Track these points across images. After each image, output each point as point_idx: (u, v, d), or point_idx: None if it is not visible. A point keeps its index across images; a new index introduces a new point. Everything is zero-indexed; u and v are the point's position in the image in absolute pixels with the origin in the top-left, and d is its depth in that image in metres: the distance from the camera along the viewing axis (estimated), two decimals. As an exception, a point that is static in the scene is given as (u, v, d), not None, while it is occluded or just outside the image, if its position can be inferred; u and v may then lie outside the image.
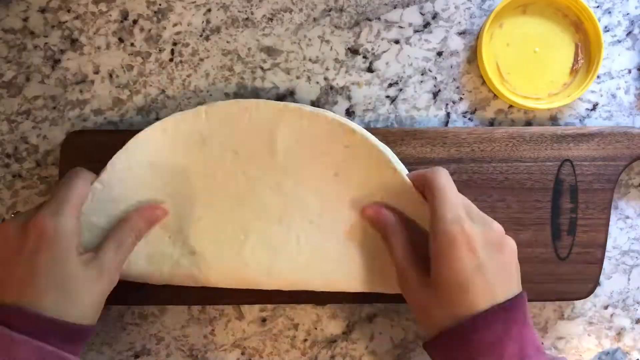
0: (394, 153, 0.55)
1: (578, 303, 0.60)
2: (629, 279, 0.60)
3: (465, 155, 0.56)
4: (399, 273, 0.49)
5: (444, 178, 0.48)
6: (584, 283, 0.56)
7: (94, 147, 0.56)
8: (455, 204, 0.46)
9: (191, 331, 0.59)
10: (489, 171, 0.56)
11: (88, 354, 0.58)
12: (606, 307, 0.60)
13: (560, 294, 0.56)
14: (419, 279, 0.47)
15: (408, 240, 0.50)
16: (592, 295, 0.59)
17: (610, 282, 0.60)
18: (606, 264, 0.60)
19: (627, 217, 0.60)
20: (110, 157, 0.53)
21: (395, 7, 0.60)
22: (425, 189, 0.49)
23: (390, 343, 0.59)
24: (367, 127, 0.60)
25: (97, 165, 0.53)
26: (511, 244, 0.47)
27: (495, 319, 0.43)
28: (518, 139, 0.57)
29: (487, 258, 0.45)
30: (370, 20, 0.60)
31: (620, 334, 0.60)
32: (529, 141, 0.57)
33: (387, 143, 0.56)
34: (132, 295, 0.55)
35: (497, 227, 0.47)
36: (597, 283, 0.56)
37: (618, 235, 0.60)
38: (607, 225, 0.56)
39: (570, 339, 0.60)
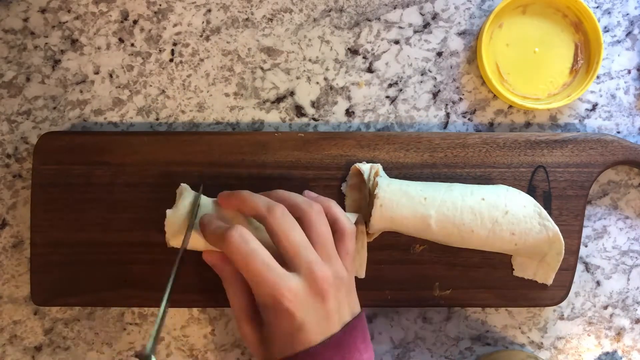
0: (368, 157, 0.56)
1: (577, 303, 0.60)
2: (628, 279, 0.60)
3: (438, 161, 0.56)
4: (237, 324, 0.50)
5: (235, 249, 0.45)
6: (557, 290, 0.56)
7: (67, 148, 0.56)
8: (263, 274, 0.44)
9: (191, 331, 0.59)
10: (462, 176, 0.56)
11: (88, 353, 0.59)
12: (606, 307, 0.60)
13: (533, 300, 0.56)
14: (253, 334, 0.48)
15: (245, 292, 0.49)
16: (591, 296, 0.60)
17: (610, 282, 0.60)
18: (606, 264, 0.60)
19: (627, 217, 0.60)
20: (84, 160, 0.55)
21: (395, 8, 0.60)
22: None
23: (390, 343, 0.59)
24: (361, 127, 0.60)
25: (69, 167, 0.55)
26: (333, 282, 0.46)
27: (323, 351, 0.45)
28: (491, 144, 0.57)
29: (306, 315, 0.45)
30: (370, 20, 0.60)
31: (619, 334, 0.60)
32: (502, 147, 0.57)
33: (361, 147, 0.56)
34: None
35: (322, 272, 0.46)
36: (569, 289, 0.56)
37: (618, 235, 0.60)
38: (580, 232, 0.56)
39: (570, 339, 0.60)
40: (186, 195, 0.52)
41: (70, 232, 0.56)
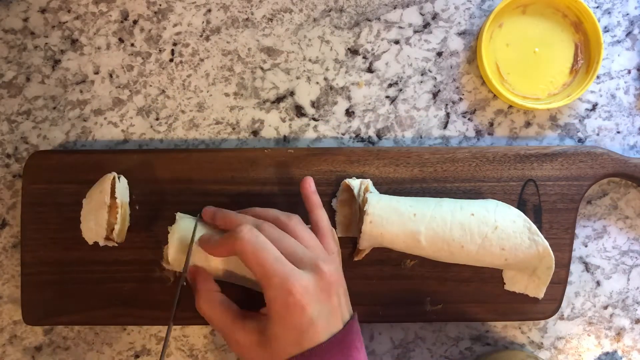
0: (358, 173, 0.56)
1: (577, 303, 0.60)
2: (628, 279, 0.60)
3: (428, 176, 0.56)
4: (225, 337, 0.48)
5: (247, 243, 0.46)
6: (549, 303, 0.56)
7: (57, 168, 0.56)
8: (274, 266, 0.45)
9: (191, 331, 0.59)
10: (452, 191, 0.56)
11: (88, 353, 0.59)
12: (606, 307, 0.60)
13: (524, 314, 0.56)
14: (249, 338, 0.47)
15: (225, 302, 0.49)
16: (592, 296, 0.60)
17: (610, 282, 0.60)
18: (605, 264, 0.60)
19: (627, 217, 0.60)
20: (74, 179, 0.55)
21: (395, 8, 0.60)
22: (240, 258, 0.47)
23: (390, 343, 0.59)
24: (361, 127, 0.60)
25: (59, 186, 0.55)
26: (337, 278, 0.47)
27: (330, 349, 0.44)
28: (481, 159, 0.57)
29: (316, 310, 0.45)
30: (370, 20, 0.60)
31: (619, 334, 0.60)
32: (492, 161, 0.57)
33: (350, 163, 0.56)
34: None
35: (327, 267, 0.46)
36: (561, 303, 0.56)
37: (618, 235, 0.60)
38: (571, 245, 0.56)
39: (570, 339, 0.60)
40: (180, 222, 0.53)
41: (60, 251, 0.56)
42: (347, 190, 0.56)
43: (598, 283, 0.60)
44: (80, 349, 0.59)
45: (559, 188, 0.56)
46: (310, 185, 0.52)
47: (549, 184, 0.56)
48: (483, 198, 0.56)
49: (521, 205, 0.56)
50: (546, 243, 0.52)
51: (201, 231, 0.51)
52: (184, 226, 0.52)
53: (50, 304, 0.56)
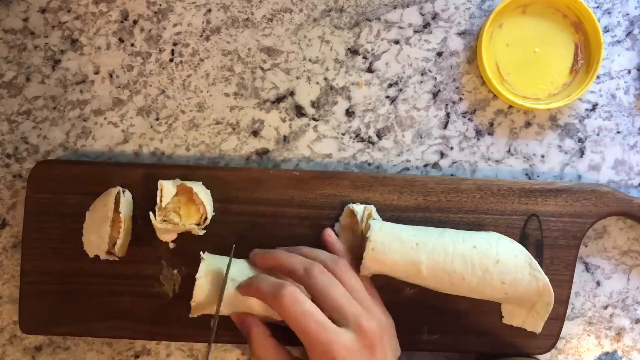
0: (362, 198, 0.56)
1: (577, 303, 0.60)
2: (628, 279, 0.60)
3: (432, 205, 0.56)
4: None
5: (289, 307, 0.46)
6: (545, 339, 0.56)
7: (62, 178, 0.56)
8: (317, 333, 0.45)
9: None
10: (455, 221, 0.56)
11: (88, 353, 0.59)
12: (606, 307, 0.60)
13: (521, 348, 0.56)
14: None
15: (277, 348, 0.50)
16: (591, 296, 0.60)
17: (610, 282, 0.60)
18: (606, 264, 0.60)
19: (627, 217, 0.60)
20: (78, 190, 0.55)
21: (395, 8, 0.60)
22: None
23: (390, 343, 0.59)
24: (361, 127, 0.60)
25: (62, 196, 0.55)
26: (379, 331, 0.47)
27: None
28: (486, 191, 0.56)
29: None
30: (370, 20, 0.60)
31: (619, 334, 0.60)
32: (496, 194, 0.56)
33: (355, 188, 0.56)
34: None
35: (368, 324, 0.47)
36: (558, 338, 0.56)
37: (618, 235, 0.60)
38: (570, 281, 0.56)
39: (570, 339, 0.60)
40: (209, 260, 0.52)
41: (61, 262, 0.56)
42: (350, 215, 0.56)
43: (598, 283, 0.60)
44: (80, 349, 0.59)
45: (561, 224, 0.56)
46: (330, 235, 0.54)
47: (552, 219, 0.56)
48: (486, 230, 0.56)
49: (523, 240, 0.56)
50: (547, 279, 0.52)
51: (233, 269, 0.52)
52: (213, 266, 0.52)
53: (48, 313, 0.56)
